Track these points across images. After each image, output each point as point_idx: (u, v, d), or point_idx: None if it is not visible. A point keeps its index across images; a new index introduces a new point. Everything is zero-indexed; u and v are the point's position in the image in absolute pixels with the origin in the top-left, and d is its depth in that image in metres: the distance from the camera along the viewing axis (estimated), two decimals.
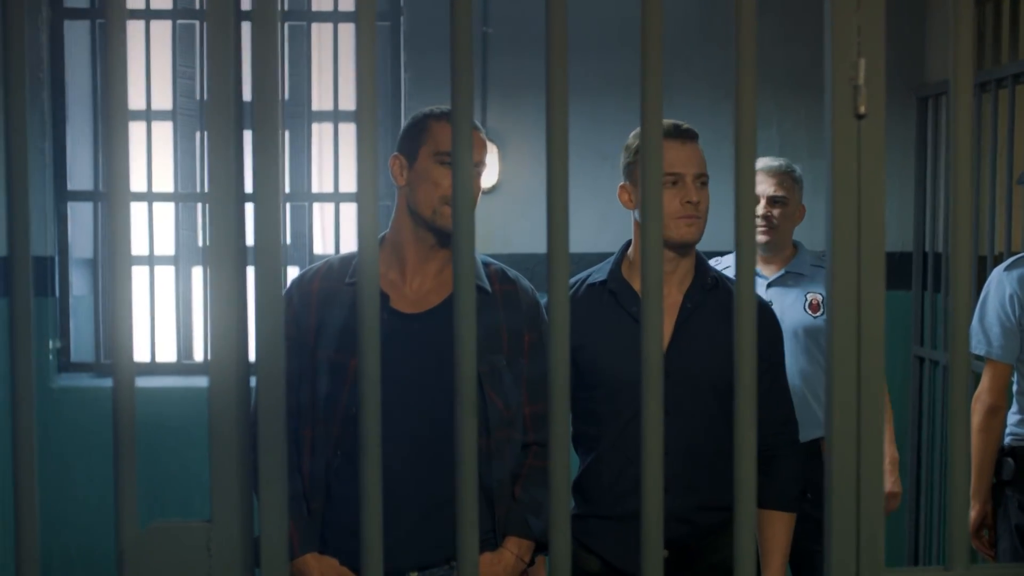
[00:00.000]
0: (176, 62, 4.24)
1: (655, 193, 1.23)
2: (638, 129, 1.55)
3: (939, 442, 4.07)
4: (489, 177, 4.23)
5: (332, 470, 2.20)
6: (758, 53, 1.23)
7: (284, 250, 4.33)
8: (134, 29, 4.26)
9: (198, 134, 4.36)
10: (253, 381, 1.20)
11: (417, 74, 4.25)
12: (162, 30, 4.29)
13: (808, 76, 4.26)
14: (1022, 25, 3.82)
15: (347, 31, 4.38)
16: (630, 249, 2.44)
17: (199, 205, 4.39)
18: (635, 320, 2.28)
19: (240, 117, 1.19)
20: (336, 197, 4.36)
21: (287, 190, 4.35)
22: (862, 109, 1.23)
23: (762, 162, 3.21)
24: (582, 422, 2.39)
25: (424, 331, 2.21)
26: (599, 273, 2.43)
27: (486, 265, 2.32)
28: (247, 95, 1.18)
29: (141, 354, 4.36)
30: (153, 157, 4.27)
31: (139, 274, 4.35)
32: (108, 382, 3.97)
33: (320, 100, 4.48)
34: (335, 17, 4.36)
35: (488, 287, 2.26)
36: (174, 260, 4.34)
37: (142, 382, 4.21)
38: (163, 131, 4.33)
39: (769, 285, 3.22)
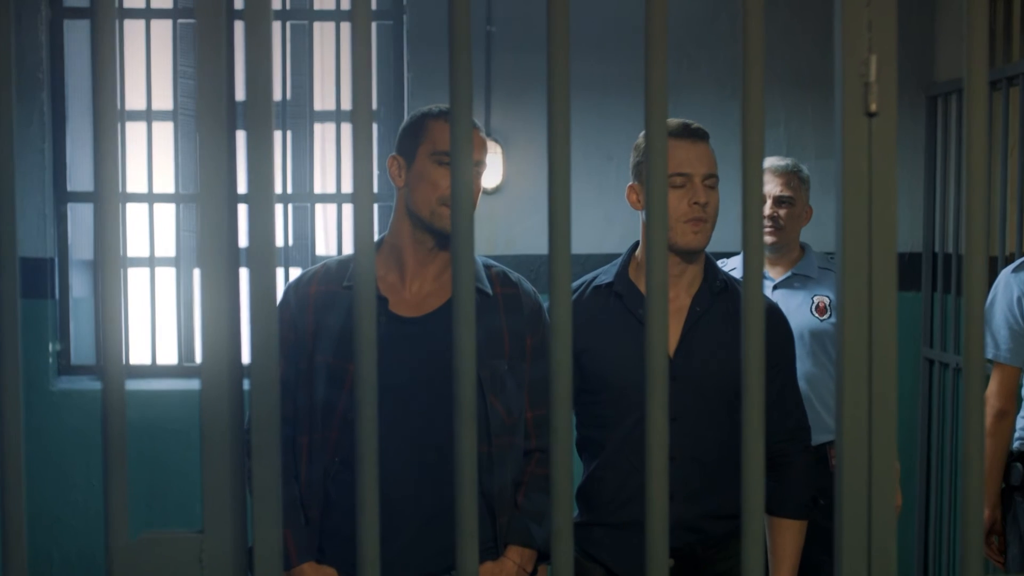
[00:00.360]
0: (177, 62, 4.22)
1: (660, 195, 1.20)
2: None
3: (949, 445, 4.02)
4: (493, 177, 4.20)
5: (330, 477, 2.17)
6: (765, 51, 1.21)
7: (284, 251, 4.33)
8: (134, 29, 4.24)
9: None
10: (247, 385, 1.17)
11: (420, 73, 4.22)
12: (162, 30, 4.26)
13: (815, 74, 4.23)
14: None
15: (349, 30, 4.34)
16: (638, 250, 2.38)
17: None
18: (641, 323, 2.24)
19: (233, 117, 1.16)
20: (338, 197, 4.33)
21: (290, 190, 4.32)
22: (873, 107, 1.20)
23: (768, 161, 3.17)
24: (586, 427, 2.36)
25: (423, 335, 2.17)
26: (606, 275, 2.38)
27: (487, 267, 2.28)
28: (240, 95, 1.16)
29: (142, 356, 4.34)
30: (154, 157, 4.24)
31: (139, 276, 4.33)
32: None
33: (322, 100, 4.45)
34: (337, 16, 4.33)
35: (489, 290, 2.22)
36: (175, 261, 4.32)
37: (143, 385, 4.19)
38: (164, 131, 4.31)
39: (775, 287, 3.18)
